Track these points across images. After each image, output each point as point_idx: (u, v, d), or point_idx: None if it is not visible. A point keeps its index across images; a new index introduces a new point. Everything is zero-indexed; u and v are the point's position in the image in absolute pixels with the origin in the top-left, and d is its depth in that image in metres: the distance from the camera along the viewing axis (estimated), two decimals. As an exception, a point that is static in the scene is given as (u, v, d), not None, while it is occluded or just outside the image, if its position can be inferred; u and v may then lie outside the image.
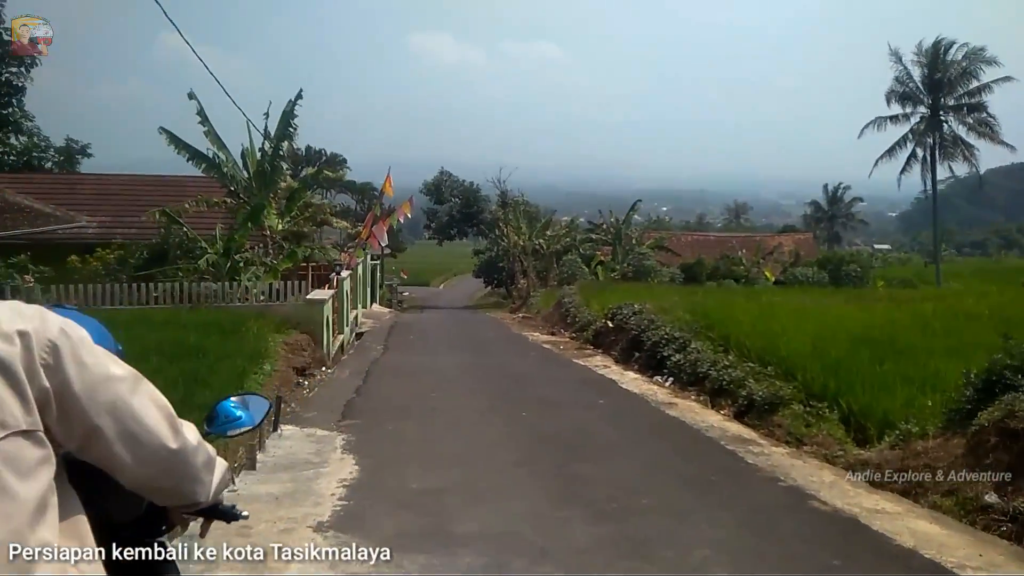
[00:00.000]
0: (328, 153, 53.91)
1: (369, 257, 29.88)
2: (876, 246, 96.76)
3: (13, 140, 35.19)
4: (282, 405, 10.73)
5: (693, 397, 11.71)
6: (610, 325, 18.08)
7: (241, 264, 16.43)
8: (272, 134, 19.98)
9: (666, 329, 14.41)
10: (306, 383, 12.76)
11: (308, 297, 15.50)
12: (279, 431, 8.48)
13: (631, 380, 13.37)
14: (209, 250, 16.18)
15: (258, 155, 19.96)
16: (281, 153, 20.14)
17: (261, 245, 20.30)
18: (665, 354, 13.65)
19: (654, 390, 12.35)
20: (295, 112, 20.08)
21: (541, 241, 37.93)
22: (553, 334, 21.90)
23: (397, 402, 11.20)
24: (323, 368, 14.88)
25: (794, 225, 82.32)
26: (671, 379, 13.04)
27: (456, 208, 50.57)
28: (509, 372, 14.44)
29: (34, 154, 37.08)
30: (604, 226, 40.48)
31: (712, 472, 7.63)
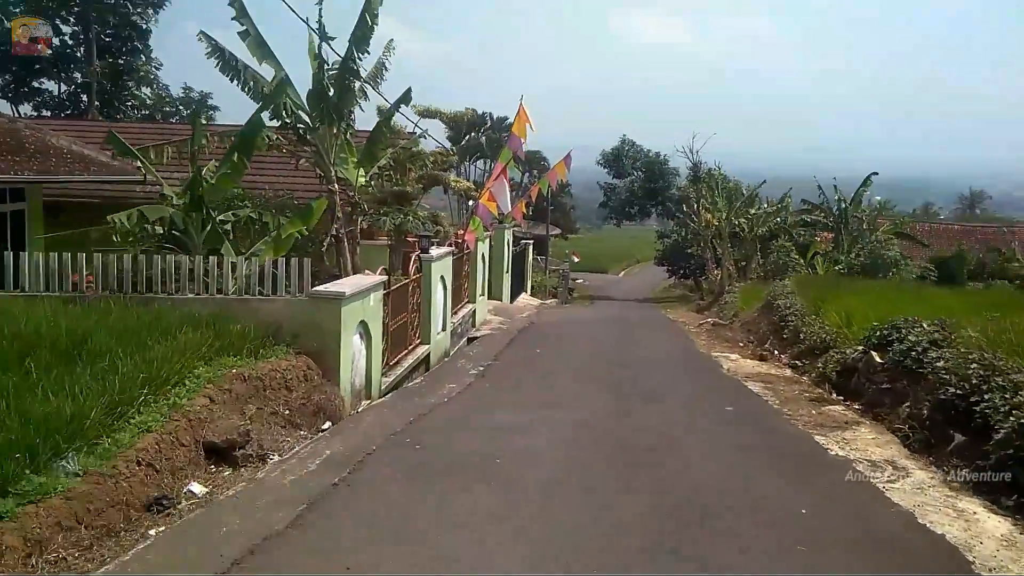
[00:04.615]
0: (494, 117, 47.37)
1: (510, 233, 22.80)
2: None
3: (137, 92, 31.28)
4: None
5: None
6: (877, 360, 9.96)
7: (230, 228, 9.71)
8: (345, 42, 13.25)
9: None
10: (186, 503, 5.77)
11: (315, 290, 8.49)
12: None
13: (987, 537, 5.36)
14: (175, 200, 9.58)
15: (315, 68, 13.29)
16: (354, 67, 13.27)
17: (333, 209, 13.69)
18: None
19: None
20: (375, 8, 13.30)
21: (742, 221, 29.30)
22: (763, 358, 13.92)
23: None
24: (322, 430, 7.96)
25: (1048, 219, 67.78)
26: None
27: (638, 183, 42.52)
28: (670, 484, 6.63)
29: (165, 109, 33.23)
30: (825, 206, 30.98)
31: None
